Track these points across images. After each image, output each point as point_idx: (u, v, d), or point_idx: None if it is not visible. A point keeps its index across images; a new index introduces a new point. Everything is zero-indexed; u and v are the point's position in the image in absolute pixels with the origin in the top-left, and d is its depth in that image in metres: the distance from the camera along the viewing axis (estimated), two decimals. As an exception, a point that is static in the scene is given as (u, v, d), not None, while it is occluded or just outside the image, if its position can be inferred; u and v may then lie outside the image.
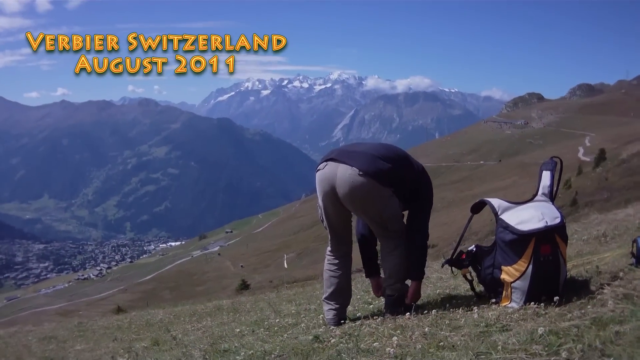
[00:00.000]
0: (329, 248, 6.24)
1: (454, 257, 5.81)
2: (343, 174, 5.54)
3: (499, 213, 5.19)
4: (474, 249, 5.63)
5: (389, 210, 5.65)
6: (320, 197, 5.92)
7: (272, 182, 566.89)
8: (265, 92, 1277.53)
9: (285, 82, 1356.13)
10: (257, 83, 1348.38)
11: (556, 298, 4.78)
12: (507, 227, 5.02)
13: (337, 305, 6.03)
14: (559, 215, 5.11)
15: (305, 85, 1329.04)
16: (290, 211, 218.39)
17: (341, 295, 6.07)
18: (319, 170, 5.92)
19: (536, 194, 5.54)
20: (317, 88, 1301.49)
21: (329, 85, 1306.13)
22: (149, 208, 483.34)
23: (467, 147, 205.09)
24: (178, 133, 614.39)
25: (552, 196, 5.54)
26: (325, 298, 6.11)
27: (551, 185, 5.57)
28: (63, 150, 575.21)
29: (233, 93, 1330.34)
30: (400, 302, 5.90)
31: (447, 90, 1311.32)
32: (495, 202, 5.31)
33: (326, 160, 5.87)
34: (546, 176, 5.61)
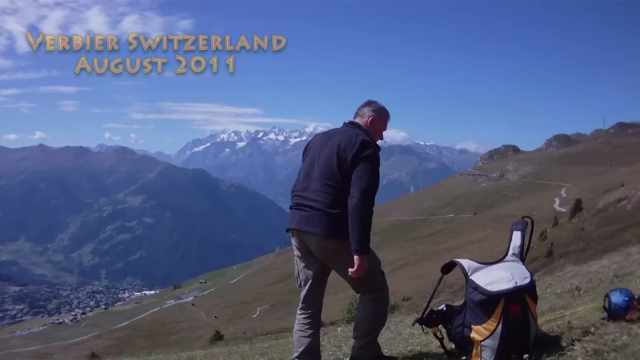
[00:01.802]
0: (300, 308, 6.31)
1: (424, 315, 5.86)
2: (310, 244, 5.83)
3: (468, 274, 5.30)
4: (444, 309, 5.74)
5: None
6: (298, 256, 6.21)
7: (247, 234, 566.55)
8: (240, 144, 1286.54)
9: (261, 134, 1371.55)
10: (232, 135, 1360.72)
11: (526, 356, 4.94)
12: (476, 287, 5.13)
13: None
14: (529, 275, 5.27)
15: (281, 137, 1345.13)
16: (264, 263, 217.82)
17: (311, 354, 6.11)
18: (291, 235, 6.21)
19: (506, 254, 5.66)
20: (293, 141, 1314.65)
21: (304, 137, 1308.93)
22: (124, 256, 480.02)
23: (442, 201, 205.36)
24: (154, 183, 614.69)
25: (522, 256, 5.64)
26: (296, 357, 6.14)
27: (521, 245, 5.68)
28: (40, 194, 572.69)
29: (209, 144, 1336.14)
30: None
31: (422, 143, 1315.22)
32: (465, 262, 5.43)
33: (289, 229, 6.16)
34: (517, 236, 5.73)
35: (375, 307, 6.01)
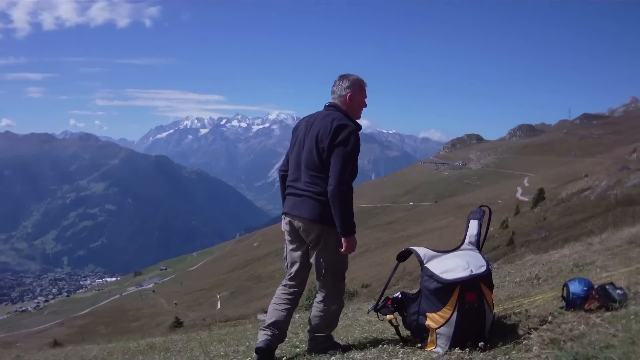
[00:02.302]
0: (282, 284, 6.62)
1: (379, 303, 5.92)
2: (298, 227, 6.22)
3: (424, 262, 5.35)
4: (400, 296, 5.76)
5: (332, 256, 6.10)
6: (287, 239, 6.57)
7: (207, 220, 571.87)
8: (203, 131, 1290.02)
9: (224, 121, 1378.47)
10: (195, 122, 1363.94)
11: (481, 344, 4.94)
12: (432, 275, 5.17)
13: (272, 334, 6.30)
14: (484, 263, 5.27)
15: (244, 124, 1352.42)
16: (224, 250, 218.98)
17: (277, 328, 6.34)
18: (283, 218, 6.62)
19: (463, 243, 5.74)
20: (255, 128, 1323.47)
21: (267, 125, 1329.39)
22: (86, 243, 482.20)
23: (404, 188, 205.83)
24: (116, 169, 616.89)
25: (479, 245, 5.72)
26: (264, 327, 6.38)
27: (478, 234, 5.76)
28: (5, 181, 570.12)
29: (172, 131, 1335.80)
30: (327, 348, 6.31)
31: (385, 131, 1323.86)
32: (421, 250, 5.47)
33: (283, 214, 6.55)
34: (473, 225, 5.83)
35: (330, 308, 6.27)
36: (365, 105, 6.48)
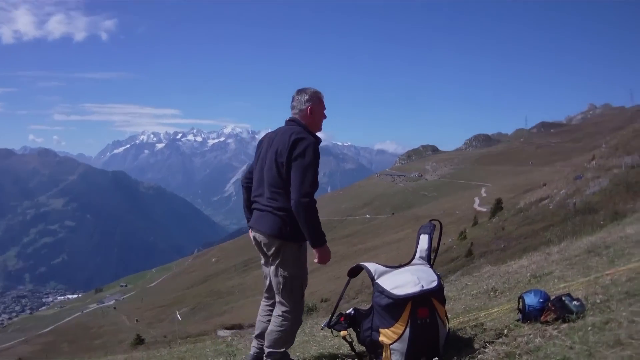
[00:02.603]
0: (263, 297, 6.98)
1: (332, 319, 5.93)
2: (261, 241, 6.39)
3: (375, 278, 5.38)
4: (352, 312, 5.77)
5: (290, 272, 6.26)
6: (259, 252, 6.71)
7: (165, 236, 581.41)
8: (159, 146, 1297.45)
9: (180, 135, 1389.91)
10: (152, 136, 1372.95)
11: (435, 359, 4.91)
12: (382, 291, 5.19)
13: (258, 345, 6.73)
14: (436, 278, 5.31)
15: (199, 139, 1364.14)
16: (183, 266, 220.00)
17: (264, 338, 6.53)
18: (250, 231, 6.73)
19: (414, 258, 5.78)
20: (211, 142, 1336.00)
21: (222, 139, 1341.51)
22: (47, 260, 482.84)
23: (360, 201, 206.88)
24: (75, 185, 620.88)
25: (429, 259, 5.76)
26: (254, 336, 6.87)
27: (429, 249, 5.79)
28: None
29: (128, 146, 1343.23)
30: None
31: (340, 144, 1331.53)
32: (372, 266, 5.50)
33: (249, 227, 6.70)
34: (424, 239, 5.86)
35: (287, 324, 6.34)
36: (325, 117, 6.66)
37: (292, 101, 6.62)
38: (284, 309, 6.36)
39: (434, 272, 5.47)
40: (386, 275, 5.36)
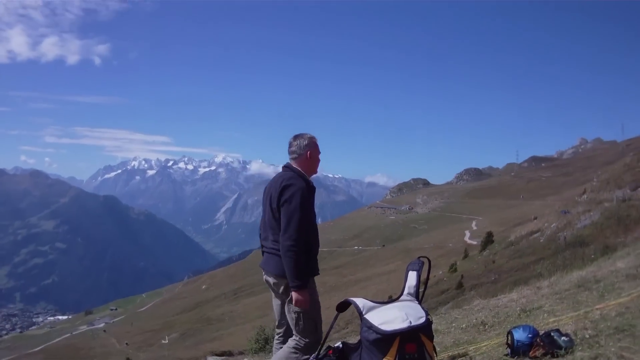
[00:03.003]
0: (276, 328, 7.28)
1: (320, 352, 5.98)
2: (270, 281, 6.86)
3: (363, 313, 5.38)
4: (341, 346, 5.77)
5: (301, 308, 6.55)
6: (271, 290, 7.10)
7: (155, 262, 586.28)
8: (150, 172, 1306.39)
9: (171, 162, 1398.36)
10: (143, 162, 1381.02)
11: None
12: (371, 327, 5.18)
13: None
14: (424, 314, 5.32)
15: (190, 167, 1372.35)
16: (173, 292, 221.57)
17: None
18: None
19: (402, 294, 5.78)
20: (202, 170, 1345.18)
21: (213, 168, 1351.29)
22: (38, 280, 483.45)
23: (350, 233, 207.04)
24: (66, 208, 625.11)
25: (418, 296, 5.78)
26: None
27: (417, 285, 5.83)
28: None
29: (120, 171, 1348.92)
30: None
31: (331, 176, 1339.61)
32: (360, 302, 5.50)
33: (261, 267, 7.05)
34: (412, 276, 5.91)
35: (299, 351, 6.58)
36: (319, 161, 7.17)
37: (290, 146, 6.98)
38: (297, 338, 6.62)
39: (422, 308, 5.49)
40: (374, 310, 5.36)
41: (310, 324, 6.59)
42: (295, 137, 7.01)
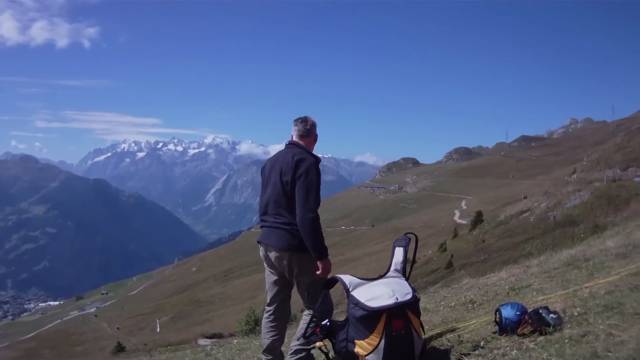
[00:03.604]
0: (265, 311, 7.20)
1: (308, 330, 6.04)
2: (271, 255, 6.77)
3: (350, 290, 5.44)
4: (328, 323, 5.79)
5: (309, 278, 6.60)
6: (265, 266, 7.08)
7: (146, 245, 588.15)
8: (140, 155, 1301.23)
9: (160, 144, 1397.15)
10: (133, 145, 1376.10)
11: None
12: (357, 303, 5.24)
13: (269, 359, 7.03)
14: (410, 291, 5.37)
15: (180, 148, 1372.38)
16: (164, 274, 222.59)
17: (270, 352, 7.03)
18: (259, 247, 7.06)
19: (388, 270, 5.85)
20: (191, 152, 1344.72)
21: (202, 149, 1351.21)
22: (29, 266, 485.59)
23: (340, 213, 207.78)
24: (56, 192, 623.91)
25: (404, 272, 5.85)
26: (262, 352, 7.14)
27: (404, 262, 5.90)
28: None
29: (109, 154, 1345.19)
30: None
31: (320, 155, 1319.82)
32: (347, 278, 5.58)
33: (258, 242, 7.03)
34: (399, 252, 5.97)
35: (311, 322, 6.42)
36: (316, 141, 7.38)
37: (296, 125, 7.15)
38: (311, 309, 6.65)
39: (409, 284, 5.53)
40: (361, 287, 5.41)
41: (321, 293, 6.46)
42: (303, 120, 7.16)
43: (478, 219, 77.53)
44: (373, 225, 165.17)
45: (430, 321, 8.02)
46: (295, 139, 7.10)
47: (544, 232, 45.21)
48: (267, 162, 7.17)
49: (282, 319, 7.15)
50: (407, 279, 5.76)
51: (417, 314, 5.37)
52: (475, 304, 8.90)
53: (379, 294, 5.19)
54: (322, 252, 6.37)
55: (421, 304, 8.22)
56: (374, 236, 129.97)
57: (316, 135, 7.22)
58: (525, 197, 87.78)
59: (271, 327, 6.99)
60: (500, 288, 9.92)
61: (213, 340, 41.27)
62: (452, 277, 38.51)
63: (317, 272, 6.43)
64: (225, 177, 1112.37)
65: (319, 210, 6.53)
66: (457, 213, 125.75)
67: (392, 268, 5.84)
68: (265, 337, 7.02)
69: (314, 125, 7.16)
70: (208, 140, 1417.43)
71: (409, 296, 5.26)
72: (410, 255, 6.12)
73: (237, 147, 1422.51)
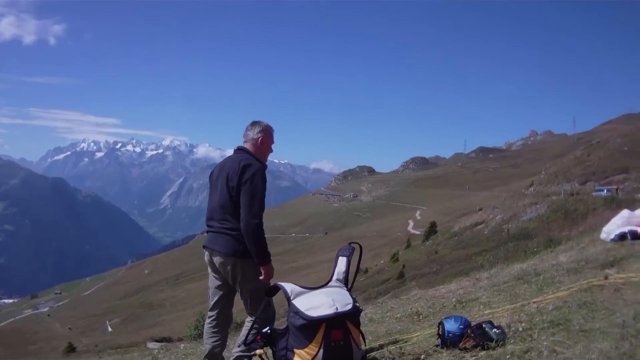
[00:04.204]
0: (208, 316, 7.17)
1: (249, 337, 6.08)
2: (216, 261, 6.81)
3: (291, 298, 5.49)
4: (269, 331, 5.79)
5: (253, 285, 6.65)
6: (209, 270, 7.13)
7: (100, 245, 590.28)
8: (99, 154, 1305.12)
9: (119, 145, 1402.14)
10: (92, 144, 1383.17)
11: None
12: (297, 312, 5.28)
13: None
14: (351, 301, 5.42)
15: (138, 149, 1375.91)
16: (116, 276, 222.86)
17: (212, 358, 7.06)
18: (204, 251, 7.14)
19: (331, 280, 5.91)
20: (149, 153, 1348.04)
21: (160, 151, 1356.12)
22: None
23: (294, 219, 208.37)
24: (16, 189, 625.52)
25: (347, 282, 5.87)
26: (204, 357, 7.13)
27: (346, 272, 5.94)
28: None
29: (69, 153, 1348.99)
30: None
31: (276, 161, 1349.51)
32: (288, 287, 5.62)
33: (203, 246, 7.08)
34: (342, 262, 6.02)
35: (252, 329, 6.52)
36: (272, 151, 7.32)
37: (246, 130, 7.17)
38: (253, 315, 6.63)
39: (350, 295, 5.56)
40: (302, 296, 5.44)
41: (263, 301, 6.51)
42: (252, 124, 7.19)
43: (432, 230, 78.01)
44: (326, 233, 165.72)
45: (375, 332, 8.08)
46: (244, 144, 7.12)
47: (498, 245, 45.58)
48: (216, 167, 7.21)
49: (224, 324, 7.15)
50: (349, 289, 5.77)
51: (357, 324, 5.38)
52: (421, 316, 8.93)
53: (319, 303, 5.21)
54: (264, 258, 6.43)
55: (367, 314, 8.15)
56: (327, 244, 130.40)
57: (266, 140, 7.12)
58: (480, 209, 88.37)
59: (213, 332, 7.02)
60: (448, 300, 9.98)
61: (162, 344, 41.34)
62: (403, 287, 38.67)
63: (260, 277, 6.48)
64: (181, 179, 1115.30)
65: (266, 217, 6.55)
66: (411, 223, 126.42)
67: (335, 278, 5.87)
68: (207, 342, 7.04)
69: (263, 130, 7.11)
70: (166, 142, 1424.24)
71: (349, 306, 5.28)
72: (354, 266, 6.12)
73: (194, 150, 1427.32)
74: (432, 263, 52.52)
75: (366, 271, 67.06)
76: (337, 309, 5.16)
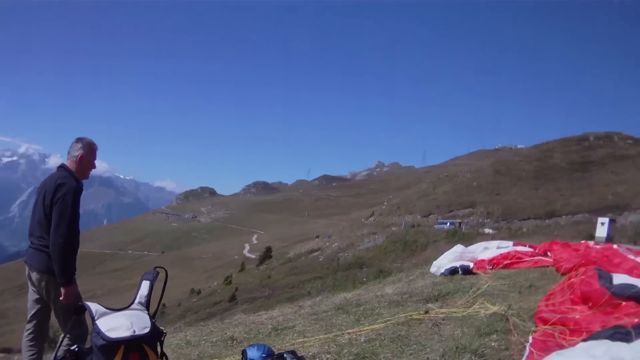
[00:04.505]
0: (26, 329, 7.19)
1: (58, 354, 5.98)
2: (33, 276, 6.96)
3: (95, 318, 5.46)
4: (77, 349, 5.72)
5: (65, 303, 6.76)
6: (29, 283, 7.18)
7: None
8: None
9: None
10: None
11: None
12: (99, 332, 5.27)
13: None
14: (149, 325, 5.47)
15: None
16: None
17: None
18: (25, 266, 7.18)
19: (133, 302, 5.92)
20: (5, 160, 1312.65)
21: (15, 158, 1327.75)
22: None
23: (133, 236, 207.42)
24: None
25: (148, 305, 5.92)
26: None
27: (148, 295, 5.99)
28: None
29: None
30: None
31: (122, 177, 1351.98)
32: (94, 307, 5.60)
33: (25, 261, 7.17)
34: (145, 286, 6.05)
35: (65, 345, 6.34)
36: (94, 167, 7.45)
37: (70, 147, 7.23)
38: (66, 332, 6.48)
39: (150, 318, 5.60)
40: (105, 317, 5.43)
41: (75, 318, 6.50)
42: (76, 140, 7.22)
43: (267, 255, 78.48)
44: (163, 252, 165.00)
45: (188, 355, 8.20)
46: (67, 161, 7.16)
47: (330, 273, 46.14)
48: (42, 183, 7.17)
49: (40, 338, 7.15)
50: (150, 313, 5.79)
51: (154, 348, 5.43)
52: (235, 342, 9.03)
53: (118, 324, 5.23)
54: (67, 279, 6.58)
55: (187, 337, 8.21)
56: (163, 263, 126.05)
57: (86, 157, 7.14)
58: (317, 236, 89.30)
59: (30, 345, 7.01)
60: (265, 327, 10.09)
61: (1, 355, 40.86)
62: (233, 310, 38.73)
63: (60, 298, 6.59)
64: (31, 189, 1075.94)
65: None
66: (247, 247, 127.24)
67: (137, 300, 5.87)
68: (25, 355, 7.00)
69: (84, 147, 7.13)
70: (22, 150, 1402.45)
71: (147, 330, 5.31)
72: (159, 290, 6.18)
73: (47, 159, 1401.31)
74: (264, 287, 52.86)
75: (199, 292, 67.14)
76: (134, 331, 5.18)
